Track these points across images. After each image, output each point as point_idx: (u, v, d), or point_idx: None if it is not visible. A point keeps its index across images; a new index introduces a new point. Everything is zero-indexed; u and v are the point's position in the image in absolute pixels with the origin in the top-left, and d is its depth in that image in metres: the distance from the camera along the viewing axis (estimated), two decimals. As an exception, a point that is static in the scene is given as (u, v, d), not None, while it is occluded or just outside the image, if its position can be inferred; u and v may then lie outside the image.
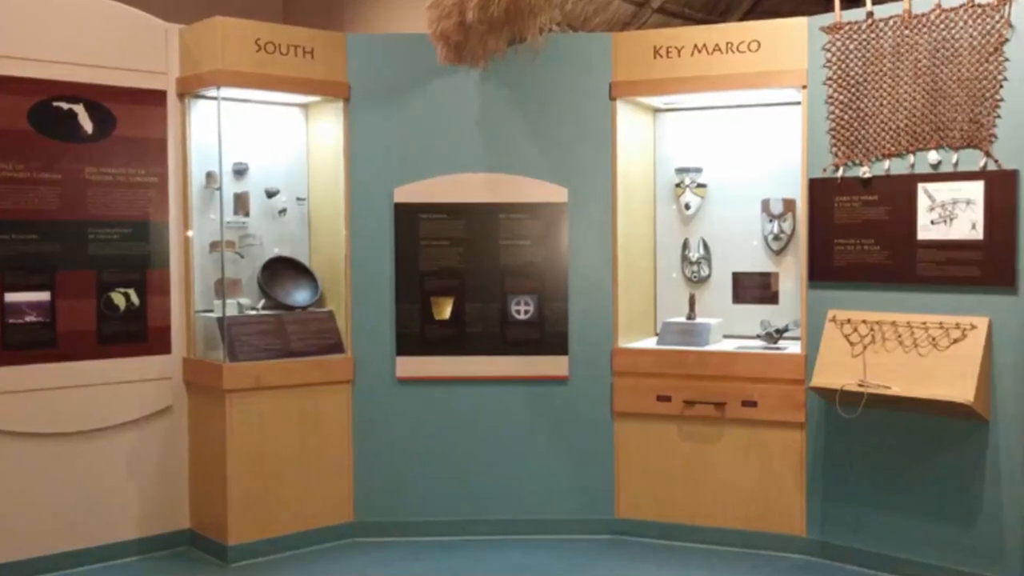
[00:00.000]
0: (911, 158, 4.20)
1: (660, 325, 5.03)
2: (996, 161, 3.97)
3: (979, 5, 3.98)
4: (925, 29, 4.12)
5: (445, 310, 4.86)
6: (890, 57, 4.22)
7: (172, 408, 4.72)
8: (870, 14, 4.28)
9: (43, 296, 4.39)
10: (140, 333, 4.62)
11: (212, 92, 4.61)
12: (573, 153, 4.84)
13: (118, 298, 4.58)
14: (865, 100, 4.30)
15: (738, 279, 5.07)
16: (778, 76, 4.53)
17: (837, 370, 4.20)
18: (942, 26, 4.08)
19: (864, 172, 4.31)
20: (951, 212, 4.09)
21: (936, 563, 4.17)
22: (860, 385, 4.10)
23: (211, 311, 4.75)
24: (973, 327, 3.98)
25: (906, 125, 4.20)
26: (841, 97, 4.36)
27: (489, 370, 4.84)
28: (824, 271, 4.44)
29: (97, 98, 4.50)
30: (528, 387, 4.86)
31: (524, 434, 4.87)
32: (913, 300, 4.17)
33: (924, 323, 4.09)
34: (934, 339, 4.04)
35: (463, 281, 4.86)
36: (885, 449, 4.30)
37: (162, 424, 4.69)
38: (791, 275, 4.90)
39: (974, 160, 4.03)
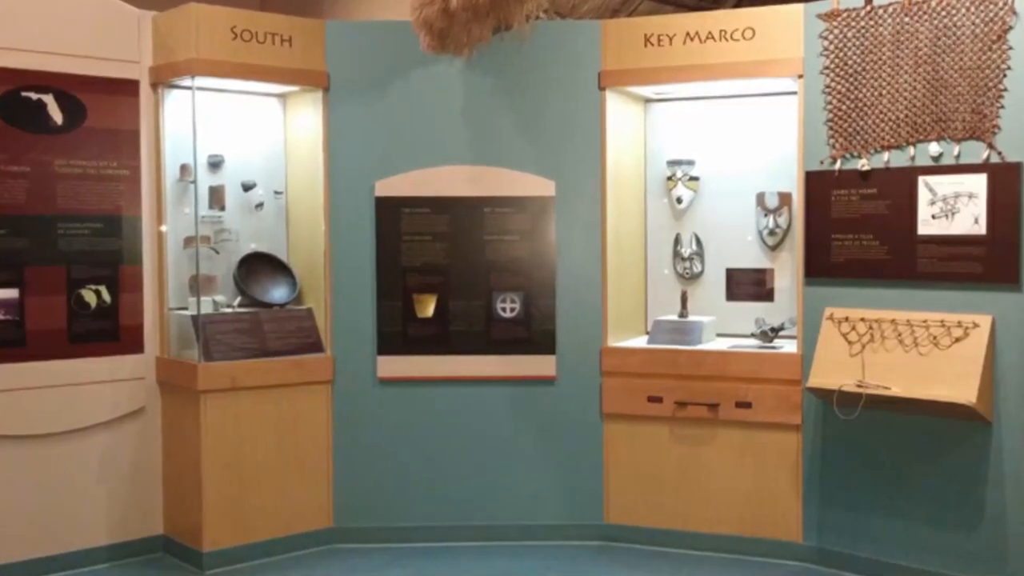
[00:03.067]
0: (911, 150, 4.16)
1: (651, 323, 5.01)
2: (999, 153, 3.95)
3: (982, -9, 3.97)
4: (926, 16, 4.09)
5: (428, 308, 4.81)
6: (890, 45, 4.18)
7: (145, 409, 4.68)
8: (869, 1, 4.24)
9: (11, 293, 4.34)
10: (112, 331, 4.58)
11: (186, 82, 4.57)
12: (561, 145, 4.80)
13: (89, 295, 4.53)
14: (864, 90, 4.26)
15: (732, 276, 5.02)
16: (773, 65, 4.49)
17: (835, 370, 4.17)
18: (943, 13, 4.05)
19: (863, 165, 4.27)
20: (953, 206, 4.06)
21: (937, 570, 4.14)
22: (859, 385, 4.07)
23: (185, 309, 4.70)
24: (975, 325, 3.95)
25: (906, 116, 4.16)
26: (839, 87, 4.32)
27: (474, 370, 4.80)
28: (821, 267, 4.40)
29: (67, 88, 4.45)
30: (514, 387, 4.82)
31: (510, 436, 4.84)
32: (913, 297, 4.14)
33: (925, 321, 4.05)
34: (935, 338, 4.01)
35: (447, 278, 4.81)
36: (884, 451, 4.27)
37: (135, 426, 4.65)
38: (787, 271, 4.87)
39: (976, 152, 4.01)
